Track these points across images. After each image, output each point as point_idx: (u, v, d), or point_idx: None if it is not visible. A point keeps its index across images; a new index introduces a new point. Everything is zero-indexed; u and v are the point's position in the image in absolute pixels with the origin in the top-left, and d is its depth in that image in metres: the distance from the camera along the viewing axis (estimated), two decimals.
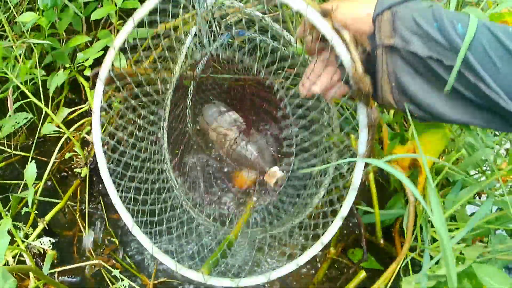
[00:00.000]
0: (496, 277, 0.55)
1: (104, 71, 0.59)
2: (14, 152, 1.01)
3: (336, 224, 0.59)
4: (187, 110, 0.96)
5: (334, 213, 0.61)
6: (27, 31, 1.00)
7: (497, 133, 0.89)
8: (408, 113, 0.46)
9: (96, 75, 0.58)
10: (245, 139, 0.93)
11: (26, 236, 0.87)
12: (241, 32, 0.82)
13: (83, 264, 0.83)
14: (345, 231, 0.94)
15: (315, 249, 0.60)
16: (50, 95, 0.98)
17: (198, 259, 0.70)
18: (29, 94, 0.90)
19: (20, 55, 1.00)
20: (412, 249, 0.71)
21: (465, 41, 0.39)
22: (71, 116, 0.99)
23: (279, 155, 0.96)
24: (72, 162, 0.92)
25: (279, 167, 0.85)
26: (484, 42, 0.40)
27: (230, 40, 0.80)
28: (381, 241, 0.81)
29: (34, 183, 0.83)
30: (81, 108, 0.98)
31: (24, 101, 0.93)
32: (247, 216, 0.77)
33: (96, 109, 0.59)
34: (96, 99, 0.59)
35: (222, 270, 0.69)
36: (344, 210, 0.58)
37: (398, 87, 0.45)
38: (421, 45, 0.42)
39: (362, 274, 0.78)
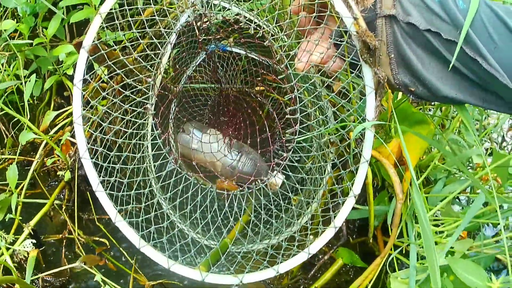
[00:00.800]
0: (472, 271, 0.56)
1: (89, 38, 0.51)
2: (3, 156, 1.01)
3: (348, 204, 0.53)
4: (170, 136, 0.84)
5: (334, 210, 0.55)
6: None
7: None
8: (405, 89, 0.47)
9: (80, 44, 0.51)
10: (234, 154, 0.88)
11: (12, 243, 0.85)
12: (222, 47, 0.83)
13: (71, 265, 0.81)
14: None
15: (328, 235, 0.54)
16: (26, 100, 0.95)
17: (193, 251, 0.64)
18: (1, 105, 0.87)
19: (3, 64, 0.99)
20: (395, 249, 0.72)
21: (468, 16, 0.40)
22: (59, 119, 0.97)
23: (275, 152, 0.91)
24: (57, 162, 0.91)
25: (277, 172, 0.79)
26: (484, 18, 0.41)
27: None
28: (370, 239, 0.81)
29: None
30: (68, 110, 0.96)
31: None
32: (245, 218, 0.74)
33: (77, 80, 0.51)
34: (79, 67, 0.51)
35: (222, 263, 0.63)
36: (356, 188, 0.52)
37: (397, 59, 0.45)
38: (421, 18, 0.43)
39: (339, 262, 0.77)
